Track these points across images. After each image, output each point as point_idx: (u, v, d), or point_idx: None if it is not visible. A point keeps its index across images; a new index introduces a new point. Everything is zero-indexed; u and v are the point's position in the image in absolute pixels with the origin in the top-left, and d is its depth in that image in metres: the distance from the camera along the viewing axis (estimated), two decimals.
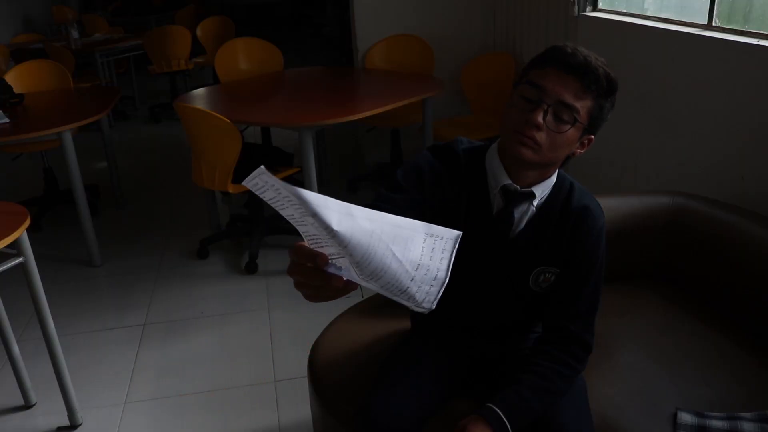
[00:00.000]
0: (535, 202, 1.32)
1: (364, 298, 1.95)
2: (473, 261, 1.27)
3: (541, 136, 1.21)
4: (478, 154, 1.36)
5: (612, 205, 2.01)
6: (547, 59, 1.23)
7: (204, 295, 3.07)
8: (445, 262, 0.78)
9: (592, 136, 1.29)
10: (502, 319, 1.47)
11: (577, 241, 1.33)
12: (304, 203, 0.71)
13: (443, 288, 0.78)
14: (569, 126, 1.22)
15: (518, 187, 1.30)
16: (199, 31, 6.31)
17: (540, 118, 1.20)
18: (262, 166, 0.72)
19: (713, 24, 2.37)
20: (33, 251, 1.99)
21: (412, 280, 0.77)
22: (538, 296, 1.40)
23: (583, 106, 1.21)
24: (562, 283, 1.37)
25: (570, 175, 1.39)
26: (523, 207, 1.33)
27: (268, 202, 0.78)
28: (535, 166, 1.27)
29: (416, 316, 1.63)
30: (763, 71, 2.05)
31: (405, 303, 0.80)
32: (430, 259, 0.78)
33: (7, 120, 3.22)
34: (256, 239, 3.34)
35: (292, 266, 0.86)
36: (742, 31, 2.22)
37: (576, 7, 3.19)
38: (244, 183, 0.75)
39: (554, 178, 1.34)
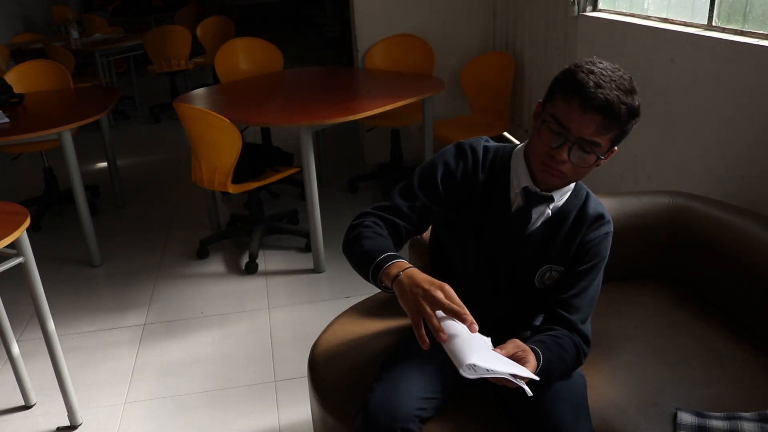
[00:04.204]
0: (552, 205, 1.41)
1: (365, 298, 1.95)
2: (487, 252, 1.44)
3: (566, 168, 1.30)
4: (504, 154, 1.45)
5: (612, 205, 2.01)
6: (573, 91, 1.26)
7: (204, 295, 3.07)
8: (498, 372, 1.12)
9: (616, 148, 1.35)
10: (504, 310, 1.53)
11: (589, 245, 1.42)
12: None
13: (479, 377, 1.10)
14: (593, 158, 1.30)
15: (539, 189, 1.39)
16: (199, 31, 6.31)
17: (565, 155, 1.28)
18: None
19: (713, 24, 2.37)
20: (33, 251, 1.99)
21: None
22: (540, 293, 1.48)
23: (605, 138, 1.28)
24: (567, 280, 1.44)
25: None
26: (540, 208, 1.41)
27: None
28: (562, 185, 1.39)
29: None
30: (763, 71, 2.05)
31: (457, 357, 1.11)
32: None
33: (7, 120, 3.22)
34: (256, 239, 3.34)
35: (423, 315, 1.15)
36: (742, 31, 2.22)
37: (576, 7, 3.19)
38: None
39: (572, 185, 1.43)
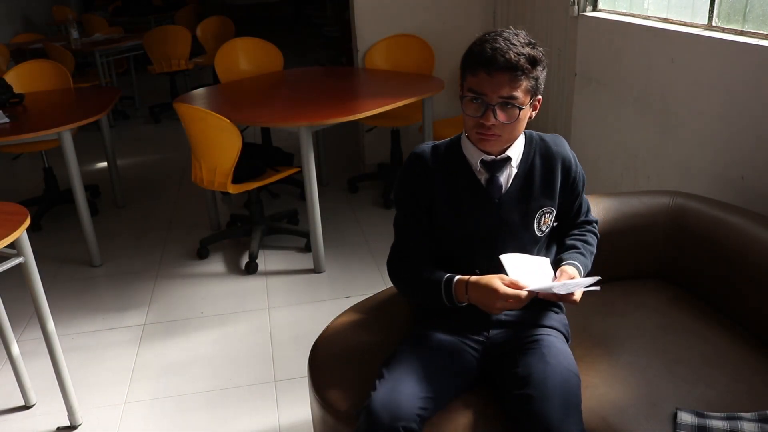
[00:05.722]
0: (514, 163, 1.53)
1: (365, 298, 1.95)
2: (483, 230, 1.55)
3: (498, 129, 1.44)
4: (454, 142, 1.60)
5: (612, 205, 2.01)
6: (475, 63, 1.41)
7: (204, 295, 3.07)
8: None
9: (539, 97, 1.48)
10: None
11: (568, 181, 1.58)
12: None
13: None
14: (517, 110, 1.42)
15: (494, 156, 1.52)
16: (199, 31, 6.31)
17: (491, 119, 1.42)
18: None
19: (713, 24, 2.37)
20: (33, 251, 1.99)
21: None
22: (543, 240, 1.60)
23: (519, 90, 1.41)
24: (565, 209, 1.63)
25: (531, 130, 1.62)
26: (505, 171, 1.54)
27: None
28: (503, 146, 1.52)
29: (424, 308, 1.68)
30: (763, 71, 2.05)
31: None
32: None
33: (7, 120, 3.22)
34: (256, 239, 3.34)
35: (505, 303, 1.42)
36: (742, 31, 2.22)
37: (576, 7, 3.19)
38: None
39: (522, 137, 1.55)
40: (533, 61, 1.41)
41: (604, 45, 2.98)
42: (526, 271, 1.46)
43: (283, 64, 4.28)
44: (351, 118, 2.99)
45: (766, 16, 2.17)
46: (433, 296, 1.52)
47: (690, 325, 1.78)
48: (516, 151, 1.53)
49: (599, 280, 1.42)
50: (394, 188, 1.64)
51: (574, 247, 1.62)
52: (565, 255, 1.59)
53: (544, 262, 1.53)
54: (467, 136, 1.54)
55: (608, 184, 3.06)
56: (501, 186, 1.53)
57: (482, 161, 1.52)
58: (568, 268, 1.52)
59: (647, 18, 2.77)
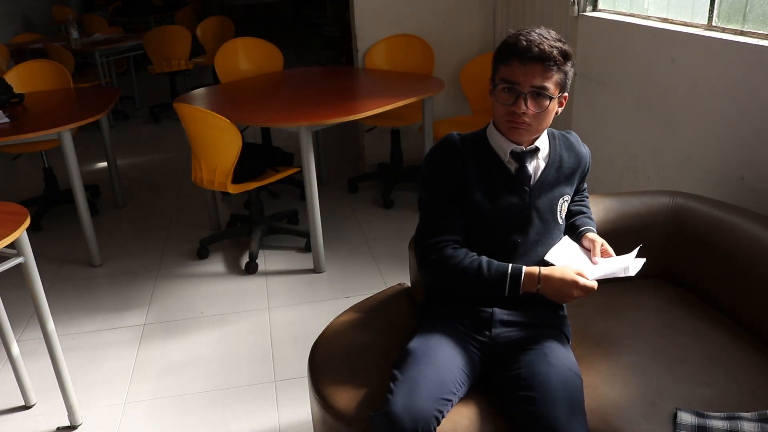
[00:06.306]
0: (541, 155, 1.59)
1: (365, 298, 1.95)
2: (515, 216, 1.59)
3: (529, 118, 1.49)
4: (479, 134, 1.63)
5: (612, 205, 2.01)
6: (509, 54, 1.47)
7: (204, 295, 3.07)
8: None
9: (566, 94, 1.54)
10: (539, 257, 1.61)
11: (584, 171, 1.69)
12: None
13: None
14: (547, 101, 1.48)
15: (523, 147, 1.56)
16: (199, 31, 6.31)
17: (522, 107, 1.47)
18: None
19: (713, 24, 2.37)
20: (33, 251, 1.99)
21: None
22: (563, 225, 1.67)
23: (550, 82, 1.47)
24: (575, 191, 1.71)
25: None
26: (533, 162, 1.59)
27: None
28: (531, 136, 1.56)
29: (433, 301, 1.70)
30: (763, 71, 2.05)
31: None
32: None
33: (7, 120, 3.22)
34: (256, 239, 3.34)
35: (580, 292, 1.49)
36: (742, 31, 2.22)
37: (576, 7, 3.19)
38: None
39: (546, 136, 1.62)
40: (565, 55, 1.47)
41: (604, 45, 2.98)
42: (571, 258, 1.58)
43: (283, 64, 4.28)
44: (351, 118, 2.99)
45: (766, 16, 2.17)
46: (489, 284, 1.52)
47: (690, 325, 1.78)
48: (543, 143, 1.59)
49: (641, 248, 1.57)
50: (422, 170, 1.64)
51: (581, 212, 1.74)
52: (578, 221, 1.70)
53: (569, 242, 1.65)
54: (496, 128, 1.58)
55: (608, 184, 3.07)
56: (530, 176, 1.58)
57: (512, 152, 1.56)
58: (594, 236, 1.63)
59: (647, 18, 2.77)
